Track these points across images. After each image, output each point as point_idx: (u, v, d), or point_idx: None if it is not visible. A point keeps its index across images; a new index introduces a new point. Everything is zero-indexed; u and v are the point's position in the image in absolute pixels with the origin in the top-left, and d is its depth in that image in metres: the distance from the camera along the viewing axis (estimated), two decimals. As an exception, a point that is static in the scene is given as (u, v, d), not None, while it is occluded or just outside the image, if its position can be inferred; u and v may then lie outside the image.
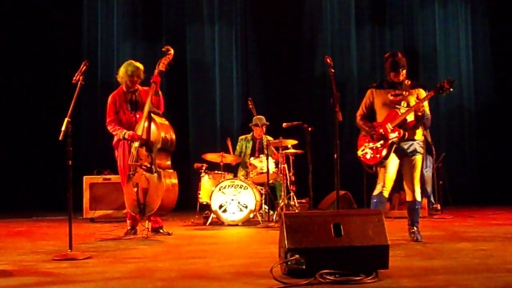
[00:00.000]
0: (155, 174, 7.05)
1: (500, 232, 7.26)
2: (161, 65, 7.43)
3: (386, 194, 6.49)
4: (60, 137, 5.52)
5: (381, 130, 6.42)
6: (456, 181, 12.24)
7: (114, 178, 9.93)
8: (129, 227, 7.53)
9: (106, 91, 13.03)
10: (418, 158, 6.47)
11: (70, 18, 13.28)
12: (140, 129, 7.17)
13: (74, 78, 5.91)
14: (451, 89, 6.26)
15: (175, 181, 7.27)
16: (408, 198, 6.54)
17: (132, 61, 7.60)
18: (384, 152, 6.39)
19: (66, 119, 5.56)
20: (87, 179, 9.91)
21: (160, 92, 7.44)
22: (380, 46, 13.62)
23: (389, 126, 6.36)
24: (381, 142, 6.40)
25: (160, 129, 7.15)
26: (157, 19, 13.58)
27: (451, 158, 11.92)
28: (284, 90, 13.17)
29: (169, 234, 7.50)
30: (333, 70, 6.16)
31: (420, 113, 6.31)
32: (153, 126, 7.17)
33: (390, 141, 6.37)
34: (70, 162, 5.66)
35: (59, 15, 13.10)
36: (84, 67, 6.02)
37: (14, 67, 12.90)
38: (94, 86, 12.98)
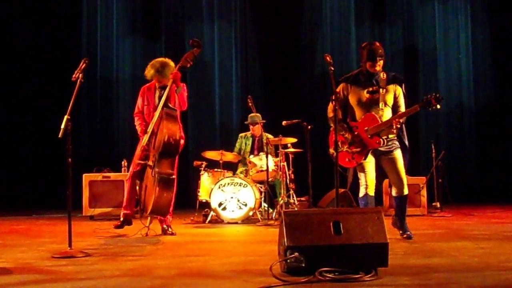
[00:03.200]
0: (155, 176, 6.92)
1: (500, 230, 7.27)
2: (183, 60, 7.21)
3: (371, 193, 6.31)
4: (60, 135, 5.51)
5: (357, 133, 6.25)
6: (455, 179, 12.25)
7: (113, 176, 9.94)
8: (121, 218, 7.51)
9: (105, 88, 13.16)
10: (396, 153, 6.28)
11: (69, 16, 13.26)
12: (151, 125, 7.12)
13: (73, 76, 5.90)
14: (438, 107, 6.04)
15: (171, 188, 7.04)
16: (395, 193, 6.37)
17: (163, 58, 7.51)
18: (361, 159, 6.25)
19: (65, 117, 5.55)
20: (86, 177, 9.90)
21: (180, 88, 7.24)
22: (380, 44, 13.58)
23: (368, 132, 6.18)
24: (359, 149, 6.24)
25: (165, 131, 6.93)
26: (157, 17, 13.57)
27: (450, 156, 11.91)
28: (283, 88, 13.17)
29: (173, 234, 7.34)
30: (332, 68, 6.00)
31: (395, 130, 6.11)
32: (162, 126, 6.97)
33: (368, 149, 6.24)
34: (69, 159, 5.65)
35: (58, 13, 13.09)
36: (84, 65, 6.00)
37: (13, 65, 12.89)
38: (93, 83, 12.97)
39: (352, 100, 6.35)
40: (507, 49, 13.36)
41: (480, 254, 5.26)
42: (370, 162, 6.29)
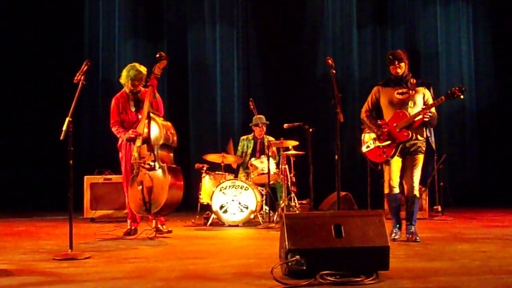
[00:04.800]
0: (159, 170, 7.09)
1: (501, 234, 7.26)
2: (156, 69, 7.45)
3: (396, 190, 6.67)
4: (61, 137, 5.52)
5: (386, 130, 6.59)
6: (457, 182, 12.25)
7: (114, 178, 9.94)
8: (129, 227, 7.52)
9: (107, 91, 13.15)
10: (420, 157, 6.61)
11: (71, 18, 13.30)
12: (141, 127, 7.21)
13: (75, 78, 5.92)
14: (462, 96, 6.46)
15: (179, 176, 7.30)
16: (407, 193, 6.67)
17: (136, 64, 7.63)
18: (391, 152, 6.59)
19: (67, 119, 5.55)
20: (88, 179, 9.91)
21: (157, 95, 7.48)
22: (382, 46, 13.61)
23: (397, 127, 6.52)
24: (388, 142, 6.59)
25: (161, 127, 7.21)
26: (159, 19, 13.60)
27: (452, 160, 11.92)
28: (285, 91, 13.18)
29: (169, 231, 7.55)
30: (334, 71, 6.23)
31: (427, 119, 6.45)
32: (153, 124, 7.23)
33: (398, 142, 6.56)
34: (71, 161, 5.66)
35: (60, 15, 13.11)
36: (86, 67, 6.02)
37: (15, 67, 12.92)
38: (95, 86, 13.01)
39: (383, 101, 6.74)
40: (509, 52, 13.35)
41: (481, 258, 5.26)
42: (396, 161, 6.62)
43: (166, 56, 7.60)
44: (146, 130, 7.20)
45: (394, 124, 6.55)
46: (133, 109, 7.56)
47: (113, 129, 7.56)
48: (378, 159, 6.74)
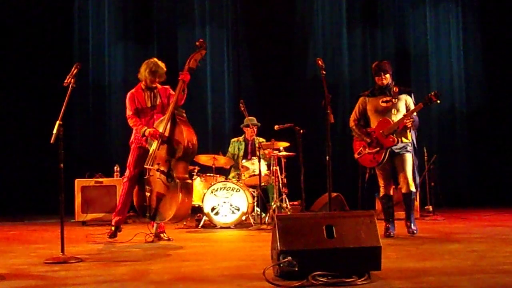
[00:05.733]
0: (172, 183, 6.75)
1: (492, 233, 7.29)
2: (192, 62, 7.08)
3: (390, 192, 7.27)
4: (52, 140, 5.50)
5: (375, 137, 7.11)
6: (448, 182, 12.28)
7: (106, 181, 9.93)
8: (113, 226, 7.30)
9: (98, 94, 13.16)
10: (408, 155, 7.13)
11: (61, 21, 13.25)
12: (162, 128, 6.86)
13: (65, 81, 5.89)
14: (438, 101, 6.96)
15: (191, 192, 7.05)
16: (404, 190, 7.14)
17: (156, 59, 7.29)
18: (381, 157, 7.09)
19: (57, 122, 5.54)
20: (79, 182, 9.88)
21: (186, 90, 7.07)
22: (372, 48, 13.65)
23: (384, 133, 7.02)
24: (377, 149, 7.09)
25: (184, 136, 6.78)
26: (148, 22, 13.58)
27: (442, 160, 11.93)
28: (275, 92, 13.18)
29: (169, 239, 7.25)
30: (324, 72, 6.38)
31: (409, 125, 6.99)
32: (177, 130, 6.83)
33: (385, 148, 7.06)
34: (61, 165, 5.64)
35: (50, 18, 13.08)
36: (76, 70, 5.98)
37: (4, 70, 12.86)
38: (85, 89, 12.97)
39: (370, 108, 7.26)
40: (499, 52, 13.41)
41: (473, 257, 5.27)
42: (387, 165, 7.16)
43: (206, 44, 7.24)
44: (167, 134, 6.84)
45: (381, 131, 7.06)
46: (149, 105, 7.20)
47: (130, 122, 7.20)
48: (370, 164, 7.25)
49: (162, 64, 7.25)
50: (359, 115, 7.33)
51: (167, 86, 7.38)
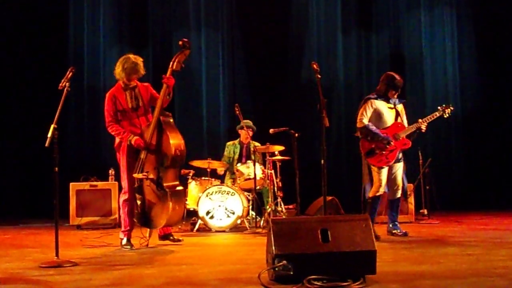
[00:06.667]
0: (162, 192, 6.68)
1: (487, 237, 7.30)
2: (176, 64, 6.86)
3: (383, 193, 7.56)
4: (47, 144, 5.50)
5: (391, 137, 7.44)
6: (442, 186, 12.26)
7: (100, 184, 9.91)
8: (127, 239, 6.92)
9: (93, 97, 13.11)
10: (402, 163, 7.64)
11: (56, 24, 13.21)
12: (149, 136, 6.71)
13: (60, 85, 5.88)
14: (445, 116, 7.86)
15: (182, 198, 7.02)
16: (398, 195, 7.63)
17: (130, 55, 6.96)
18: (393, 158, 7.41)
19: (52, 126, 5.54)
20: (73, 186, 9.85)
21: (171, 93, 6.88)
22: (367, 51, 13.65)
23: (397, 136, 7.41)
24: (391, 150, 7.38)
25: (171, 143, 6.63)
26: (143, 25, 13.54)
27: (438, 163, 11.94)
28: (271, 96, 13.17)
29: (179, 240, 7.16)
30: (319, 76, 6.41)
31: (424, 131, 7.58)
32: (164, 138, 6.68)
33: (399, 150, 7.45)
34: (56, 168, 5.64)
35: (45, 21, 13.04)
36: (70, 74, 5.98)
37: (-1, 74, 12.84)
38: (80, 92, 12.92)
39: (378, 111, 7.48)
40: (493, 56, 13.43)
41: (468, 261, 5.28)
42: (388, 168, 7.45)
43: (190, 44, 6.99)
44: (154, 142, 6.69)
45: (393, 134, 7.40)
46: (130, 105, 6.91)
47: (110, 130, 6.94)
48: (378, 164, 7.39)
49: (137, 59, 6.92)
50: (369, 116, 7.45)
51: (146, 84, 7.14)
